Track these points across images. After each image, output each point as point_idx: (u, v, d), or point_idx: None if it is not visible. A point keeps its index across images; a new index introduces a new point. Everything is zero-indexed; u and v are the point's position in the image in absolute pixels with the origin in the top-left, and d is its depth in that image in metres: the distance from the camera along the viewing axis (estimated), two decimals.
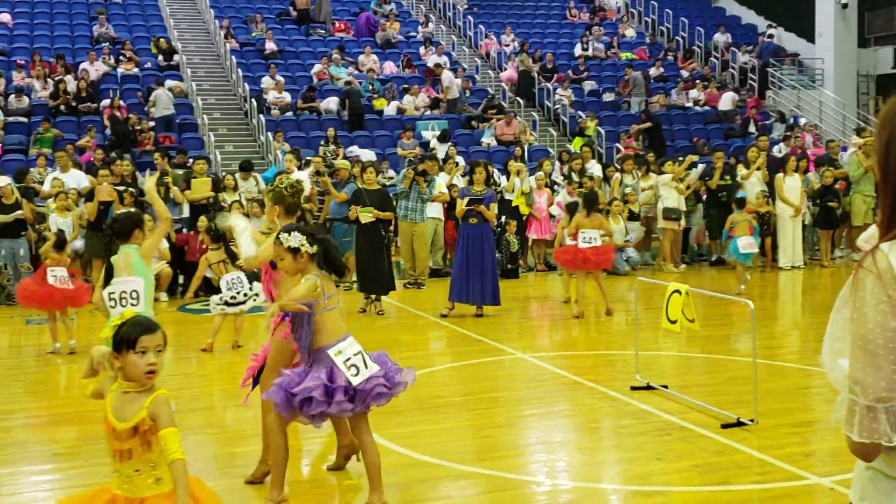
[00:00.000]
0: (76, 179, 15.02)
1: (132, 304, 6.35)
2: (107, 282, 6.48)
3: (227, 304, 10.35)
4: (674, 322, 7.56)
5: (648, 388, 8.11)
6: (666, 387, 8.08)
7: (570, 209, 13.57)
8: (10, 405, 8.37)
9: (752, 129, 24.51)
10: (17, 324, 12.43)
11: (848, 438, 2.35)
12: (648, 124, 23.05)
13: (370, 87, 24.24)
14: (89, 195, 14.07)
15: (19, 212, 13.56)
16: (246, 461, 6.40)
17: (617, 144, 22.72)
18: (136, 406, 3.75)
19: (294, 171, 13.69)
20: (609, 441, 6.87)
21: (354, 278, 14.27)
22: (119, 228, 6.58)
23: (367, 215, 12.21)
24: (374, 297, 12.53)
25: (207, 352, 10.11)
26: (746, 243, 13.46)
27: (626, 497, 5.79)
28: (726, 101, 26.01)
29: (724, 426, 7.02)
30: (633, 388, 8.12)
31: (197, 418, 7.73)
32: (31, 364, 10.12)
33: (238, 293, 10.34)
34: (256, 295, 10.33)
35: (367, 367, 5.21)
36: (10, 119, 20.65)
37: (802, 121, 24.55)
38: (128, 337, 3.73)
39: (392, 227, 13.34)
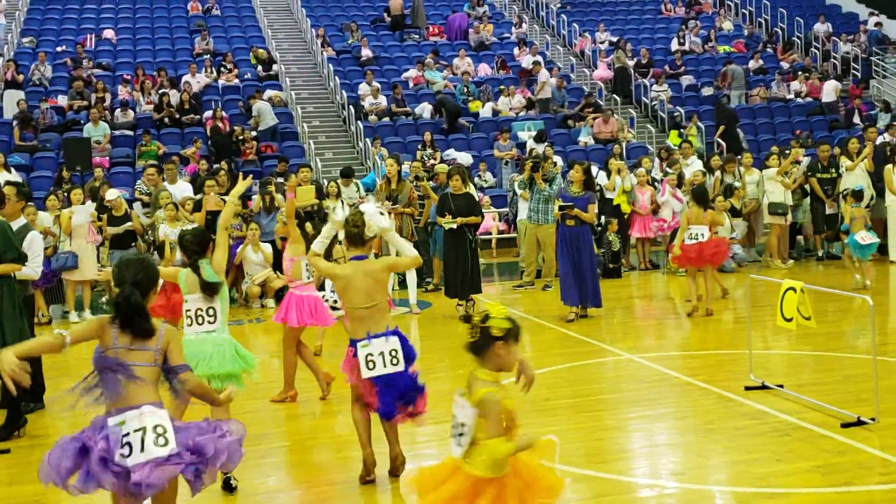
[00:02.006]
0: (181, 191, 15.36)
1: (209, 322, 6.27)
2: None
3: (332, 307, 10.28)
4: (789, 320, 7.38)
5: (763, 387, 7.93)
6: (781, 386, 7.90)
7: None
8: None
9: (856, 119, 23.87)
10: None
11: None
12: (722, 128, 22.47)
13: (465, 90, 24.30)
14: (197, 206, 14.38)
15: (129, 223, 13.94)
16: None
17: (717, 138, 22.31)
18: (472, 390, 4.23)
19: (393, 177, 13.66)
20: (726, 443, 6.73)
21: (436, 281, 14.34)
22: (196, 243, 6.35)
23: (450, 224, 12.22)
24: (470, 301, 12.45)
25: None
26: (864, 236, 13.03)
27: (748, 499, 5.66)
28: (829, 91, 25.34)
29: (845, 425, 6.83)
30: (748, 388, 7.95)
31: (308, 422, 7.85)
32: None
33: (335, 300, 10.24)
34: None
35: (143, 451, 4.27)
36: (117, 132, 21.28)
37: None
38: (517, 332, 4.31)
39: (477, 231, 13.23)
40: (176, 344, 4.55)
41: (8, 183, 8.33)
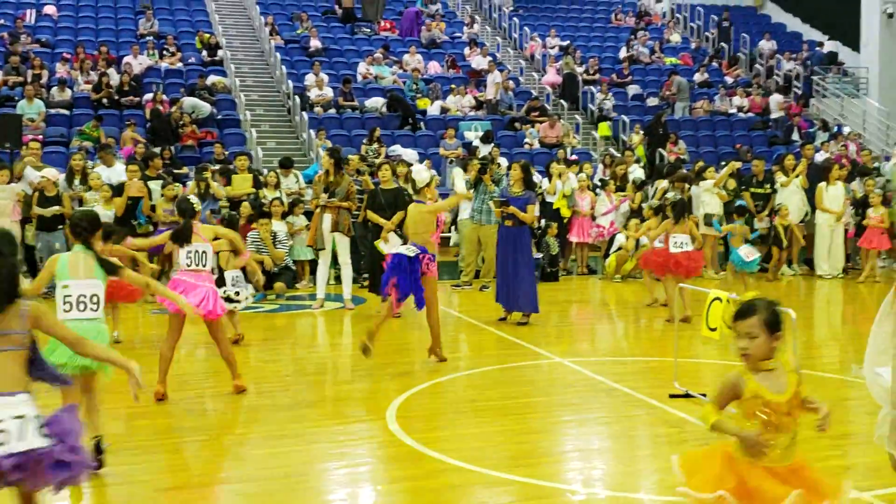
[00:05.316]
0: (117, 174, 15.09)
1: (92, 309, 5.89)
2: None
3: (228, 299, 10.05)
4: (713, 329, 7.45)
5: (687, 395, 7.99)
6: (705, 395, 7.95)
7: (657, 213, 13.43)
8: None
9: (795, 136, 24.26)
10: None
11: (891, 456, 2.28)
12: (672, 137, 22.51)
13: (414, 87, 24.24)
14: (119, 190, 14.10)
15: (56, 207, 13.60)
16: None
17: (660, 150, 22.50)
18: (783, 381, 4.24)
19: (330, 169, 13.19)
20: (646, 450, 6.76)
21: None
22: (84, 227, 6.04)
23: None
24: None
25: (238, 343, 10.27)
26: (747, 251, 13.50)
27: None
28: (775, 105, 25.73)
29: None
30: (672, 396, 8.01)
31: (236, 416, 7.75)
32: None
33: (236, 293, 10.27)
34: (251, 295, 10.65)
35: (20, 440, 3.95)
36: (52, 111, 20.80)
37: (846, 129, 24.23)
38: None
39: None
40: (48, 320, 4.22)
41: None
